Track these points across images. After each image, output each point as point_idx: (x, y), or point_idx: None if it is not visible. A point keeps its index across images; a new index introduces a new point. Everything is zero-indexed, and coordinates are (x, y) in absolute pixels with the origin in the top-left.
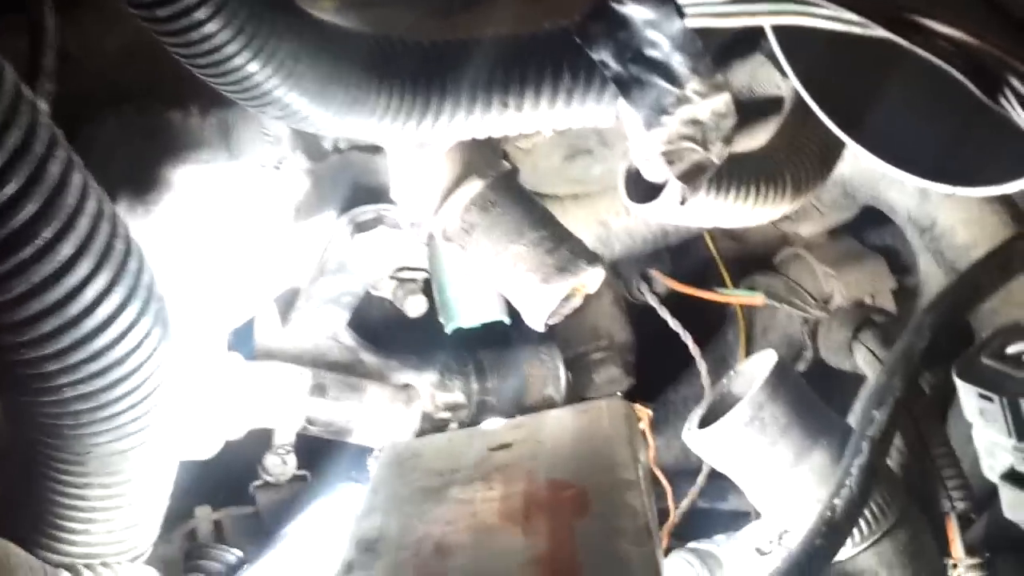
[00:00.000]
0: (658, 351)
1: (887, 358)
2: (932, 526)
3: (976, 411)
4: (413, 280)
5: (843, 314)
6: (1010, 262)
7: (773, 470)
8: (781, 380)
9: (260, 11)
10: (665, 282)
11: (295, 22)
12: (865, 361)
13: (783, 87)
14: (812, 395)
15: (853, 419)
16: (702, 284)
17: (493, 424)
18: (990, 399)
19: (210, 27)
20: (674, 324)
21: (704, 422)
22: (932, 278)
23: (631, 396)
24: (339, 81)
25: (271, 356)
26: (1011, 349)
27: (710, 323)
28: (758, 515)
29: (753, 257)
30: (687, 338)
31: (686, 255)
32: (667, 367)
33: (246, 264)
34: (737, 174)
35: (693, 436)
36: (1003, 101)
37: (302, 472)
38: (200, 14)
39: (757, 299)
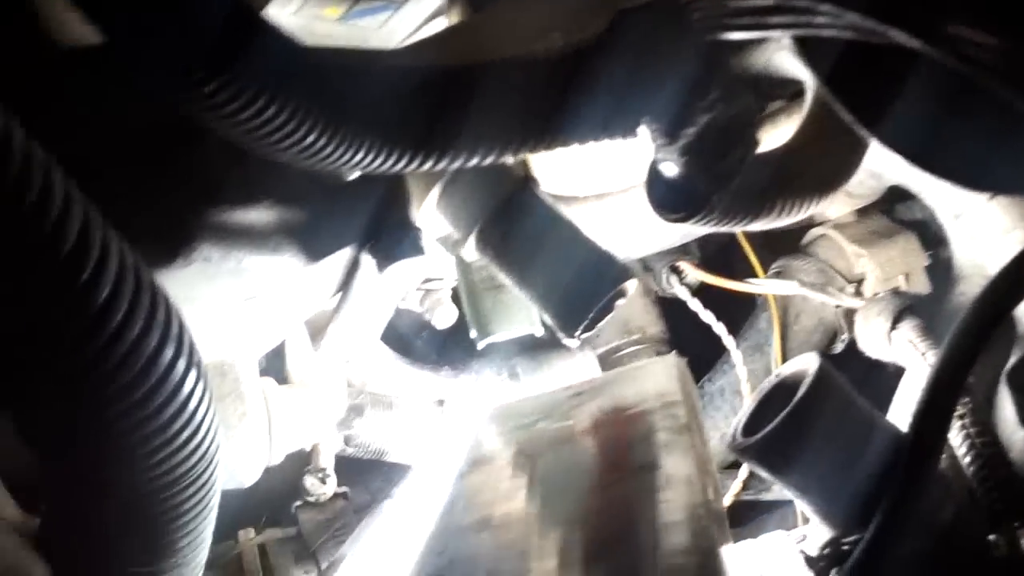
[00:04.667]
0: (692, 340)
1: (933, 364)
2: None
3: None
4: (440, 290)
5: (880, 304)
6: None
7: (819, 481)
8: (825, 387)
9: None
10: (695, 273)
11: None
12: (905, 353)
13: (803, 72)
14: (858, 400)
15: (894, 410)
16: (731, 269)
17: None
18: None
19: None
20: (706, 316)
21: (747, 429)
22: (968, 263)
23: None
24: (359, 119)
25: (304, 380)
26: None
27: (742, 308)
28: (805, 519)
29: (781, 237)
30: (720, 329)
31: (712, 240)
32: (702, 356)
33: (272, 295)
34: (765, 178)
35: (735, 446)
36: None
37: (343, 489)
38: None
39: (790, 289)
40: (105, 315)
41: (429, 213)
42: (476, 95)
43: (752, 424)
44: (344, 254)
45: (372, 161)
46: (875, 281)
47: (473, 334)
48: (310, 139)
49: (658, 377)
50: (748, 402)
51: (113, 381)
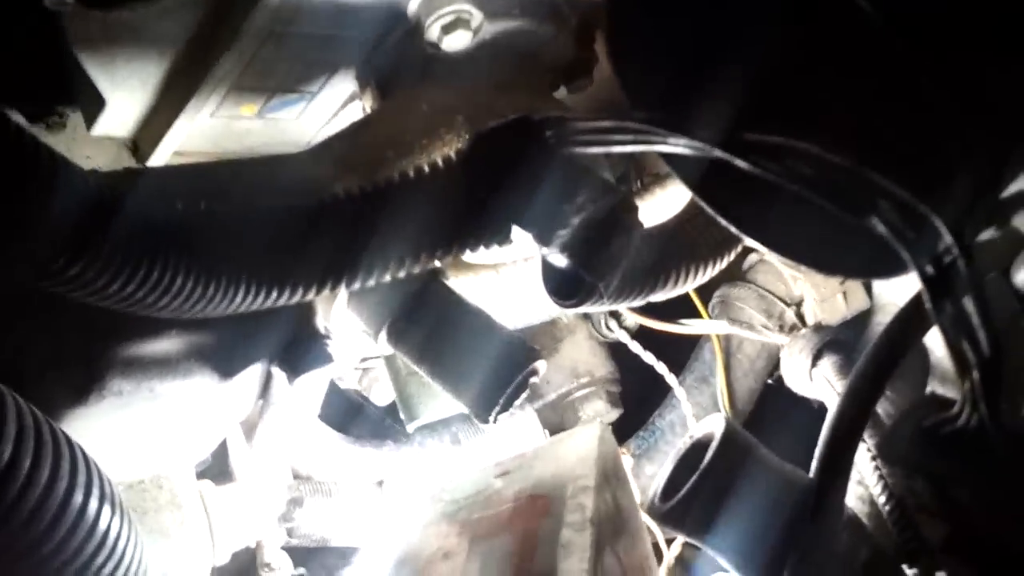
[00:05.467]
0: (642, 375)
1: (833, 409)
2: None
3: None
4: (376, 368)
5: (802, 340)
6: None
7: (735, 538)
8: (731, 448)
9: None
10: (634, 317)
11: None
12: (824, 391)
13: None
14: (766, 456)
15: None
16: (674, 304)
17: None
18: None
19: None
20: (647, 357)
21: (665, 493)
22: (883, 294)
23: (620, 425)
24: (241, 266)
25: (247, 475)
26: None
27: (688, 340)
28: None
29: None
30: (662, 368)
31: None
32: (654, 388)
33: (191, 415)
34: (656, 255)
35: (651, 512)
36: (871, 219)
37: (299, 571)
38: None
39: (721, 328)
40: (10, 473)
41: (341, 313)
42: (360, 223)
43: (670, 487)
44: (257, 368)
45: (265, 300)
46: (814, 302)
47: (403, 417)
48: (192, 295)
49: (578, 452)
50: (665, 466)
51: (26, 533)
